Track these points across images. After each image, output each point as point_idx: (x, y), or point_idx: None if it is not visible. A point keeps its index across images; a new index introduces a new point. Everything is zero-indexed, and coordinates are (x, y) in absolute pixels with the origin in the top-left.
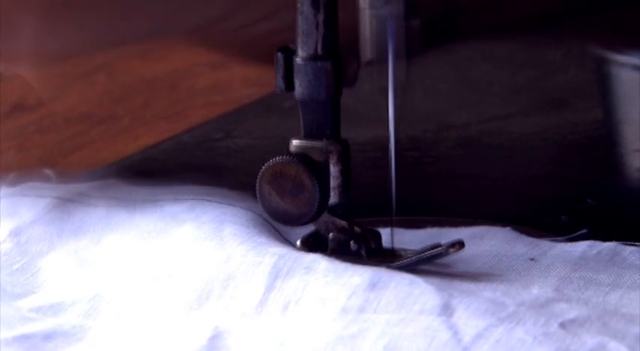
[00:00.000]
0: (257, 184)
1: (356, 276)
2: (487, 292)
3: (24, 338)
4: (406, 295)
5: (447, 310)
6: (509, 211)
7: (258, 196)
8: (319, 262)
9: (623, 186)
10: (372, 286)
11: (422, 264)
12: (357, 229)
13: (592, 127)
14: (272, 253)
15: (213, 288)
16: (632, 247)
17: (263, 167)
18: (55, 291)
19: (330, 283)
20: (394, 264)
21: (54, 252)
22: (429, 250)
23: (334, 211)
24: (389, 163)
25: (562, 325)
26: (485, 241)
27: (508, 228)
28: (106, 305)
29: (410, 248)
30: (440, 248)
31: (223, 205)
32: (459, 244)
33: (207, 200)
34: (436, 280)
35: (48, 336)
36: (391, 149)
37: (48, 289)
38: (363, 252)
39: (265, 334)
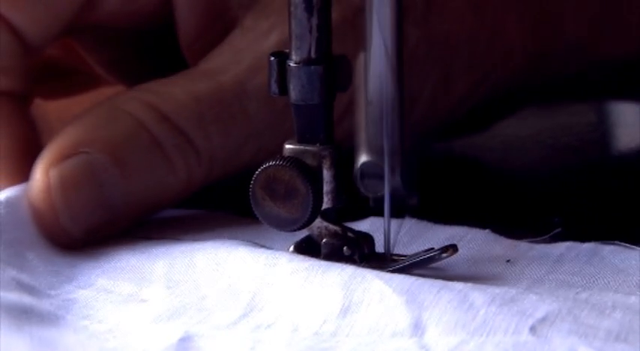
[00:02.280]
0: (250, 189)
1: (328, 300)
2: (457, 285)
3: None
4: (377, 317)
5: (417, 329)
6: (502, 213)
7: (251, 200)
8: (292, 287)
9: (616, 187)
10: (345, 310)
11: (414, 269)
12: (350, 234)
13: (586, 129)
14: (247, 290)
15: (185, 311)
16: (612, 246)
17: (256, 172)
18: (35, 277)
19: (303, 310)
20: (386, 269)
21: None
22: (422, 254)
23: (327, 216)
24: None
25: (532, 329)
26: (463, 244)
27: (487, 230)
28: (80, 306)
29: (403, 253)
30: (433, 253)
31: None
32: (452, 249)
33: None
34: (407, 287)
35: (25, 310)
36: (385, 150)
37: (30, 273)
38: (356, 257)
39: (236, 339)
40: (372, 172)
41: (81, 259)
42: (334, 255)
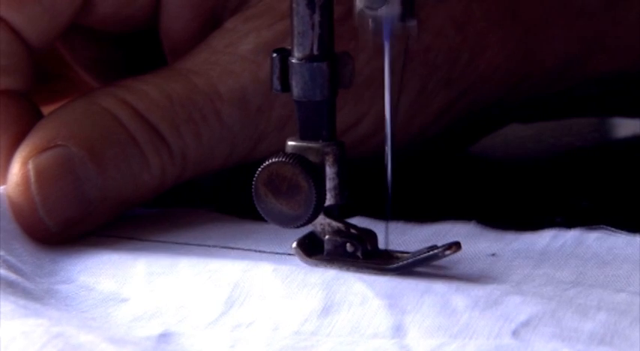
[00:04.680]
0: (253, 186)
1: (309, 299)
2: (440, 288)
3: None
4: (359, 319)
5: (399, 331)
6: (503, 212)
7: (254, 197)
8: (273, 286)
9: (618, 186)
10: (326, 310)
11: (417, 266)
12: (353, 230)
13: (587, 129)
14: (227, 283)
15: (166, 311)
16: (597, 233)
17: (259, 168)
18: (22, 264)
19: (283, 309)
20: (390, 266)
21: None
22: (425, 252)
23: (330, 212)
24: (385, 164)
25: (515, 333)
26: (449, 238)
27: (472, 223)
28: (62, 297)
29: (406, 250)
30: (436, 250)
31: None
32: (456, 246)
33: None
34: (389, 290)
35: (10, 284)
36: (387, 151)
37: (17, 258)
38: (359, 254)
39: (217, 337)
40: None
41: (62, 255)
42: (337, 252)
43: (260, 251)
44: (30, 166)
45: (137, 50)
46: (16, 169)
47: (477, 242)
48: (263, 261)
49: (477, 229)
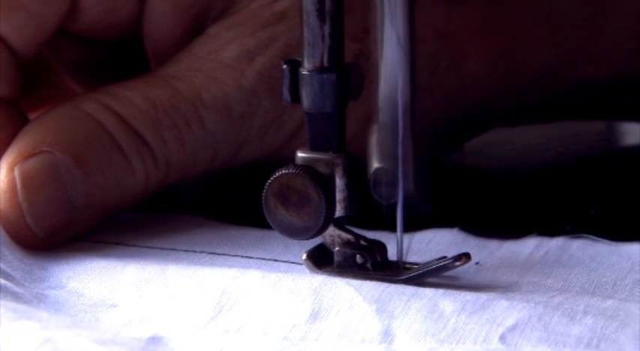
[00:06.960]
0: (263, 196)
1: (298, 305)
2: (428, 292)
3: None
4: (347, 324)
5: (387, 337)
6: (513, 220)
7: (264, 208)
8: (262, 292)
9: (627, 194)
10: (315, 316)
11: (428, 277)
12: (362, 242)
13: (595, 137)
14: (216, 289)
15: (155, 316)
16: (580, 241)
17: (269, 179)
18: (12, 269)
19: (272, 315)
20: (400, 277)
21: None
22: (434, 263)
23: (340, 224)
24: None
25: (502, 338)
26: (431, 246)
27: (455, 230)
28: (52, 302)
29: (416, 261)
30: (446, 261)
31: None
32: (465, 257)
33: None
34: (377, 295)
35: (1, 287)
36: (399, 160)
37: (6, 263)
38: (368, 265)
39: (204, 341)
40: (384, 178)
41: (51, 261)
42: (347, 263)
43: (247, 257)
44: (16, 172)
45: (121, 56)
46: (2, 176)
47: (460, 251)
48: (251, 268)
49: (460, 236)
